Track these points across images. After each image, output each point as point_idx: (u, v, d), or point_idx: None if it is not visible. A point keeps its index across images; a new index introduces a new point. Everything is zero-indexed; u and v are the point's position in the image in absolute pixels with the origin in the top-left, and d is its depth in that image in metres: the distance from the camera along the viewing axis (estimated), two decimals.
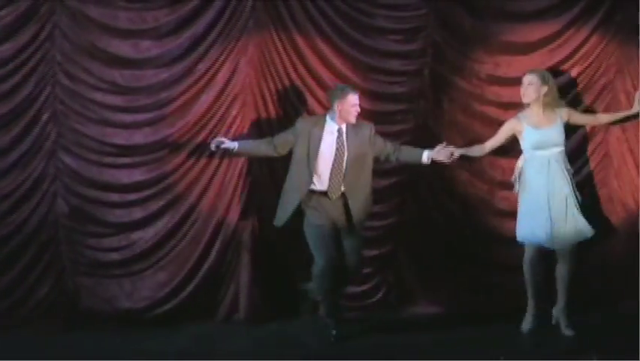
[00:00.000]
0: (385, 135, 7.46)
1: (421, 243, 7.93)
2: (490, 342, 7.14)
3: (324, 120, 7.13)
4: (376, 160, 7.23)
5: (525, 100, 7.28)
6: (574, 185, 7.33)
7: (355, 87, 7.35)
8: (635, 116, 7.64)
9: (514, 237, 7.46)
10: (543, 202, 7.30)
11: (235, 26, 7.41)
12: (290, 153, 7.20)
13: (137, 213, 7.54)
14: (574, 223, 7.30)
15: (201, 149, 7.49)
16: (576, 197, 7.34)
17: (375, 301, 7.92)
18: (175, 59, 7.41)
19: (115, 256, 7.55)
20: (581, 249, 7.38)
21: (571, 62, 7.89)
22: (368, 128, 7.18)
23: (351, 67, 7.62)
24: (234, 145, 7.18)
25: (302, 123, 7.16)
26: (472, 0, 7.69)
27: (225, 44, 7.43)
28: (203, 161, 7.53)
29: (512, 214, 7.56)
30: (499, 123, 7.60)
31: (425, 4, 7.62)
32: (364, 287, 7.87)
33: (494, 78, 7.84)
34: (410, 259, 7.92)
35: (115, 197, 7.52)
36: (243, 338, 7.32)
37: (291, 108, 7.57)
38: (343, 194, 7.10)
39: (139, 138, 7.47)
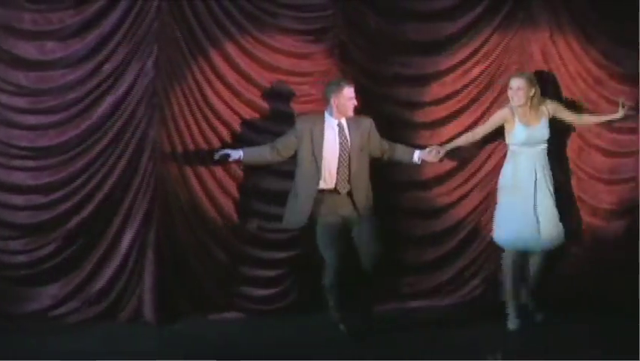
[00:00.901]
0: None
1: None
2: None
3: (323, 117, 7.17)
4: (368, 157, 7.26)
5: (515, 104, 7.44)
6: (552, 184, 7.53)
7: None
8: (617, 120, 7.87)
9: (424, 237, 7.41)
10: (529, 203, 7.43)
11: (140, 27, 7.38)
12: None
13: (44, 216, 7.49)
14: (556, 223, 7.49)
15: (109, 150, 7.48)
16: (553, 199, 7.56)
17: (286, 304, 7.93)
18: (81, 60, 7.38)
19: (21, 258, 7.52)
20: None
21: (473, 60, 7.99)
22: (368, 122, 7.26)
23: (258, 68, 7.62)
24: (239, 154, 7.21)
25: (302, 123, 7.19)
26: (379, 0, 7.71)
27: (131, 45, 7.39)
28: (110, 162, 7.50)
29: (427, 214, 7.68)
30: (406, 123, 7.73)
31: (331, 5, 7.63)
32: (275, 290, 7.89)
33: (401, 78, 7.87)
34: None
35: (20, 200, 7.48)
36: (148, 338, 7.33)
37: (197, 109, 7.56)
38: (350, 187, 7.14)
39: (45, 140, 7.43)
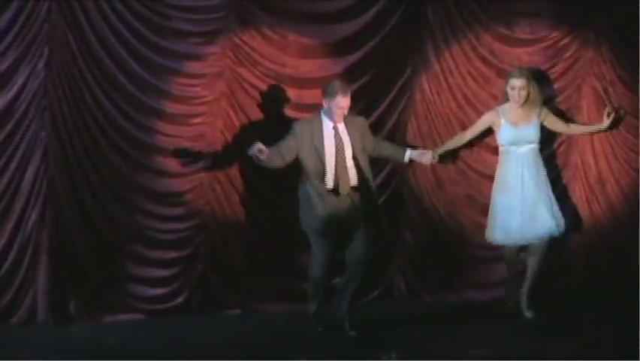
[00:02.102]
0: (185, 138, 7.63)
1: (225, 245, 7.99)
2: (289, 342, 7.32)
3: (320, 118, 7.22)
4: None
5: (519, 103, 7.66)
6: (548, 182, 7.74)
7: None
8: (604, 131, 8.16)
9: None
10: (517, 200, 7.66)
11: (31, 29, 7.30)
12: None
13: None
14: (544, 220, 7.66)
15: None
16: (549, 194, 7.74)
17: (176, 305, 7.93)
18: None
19: None
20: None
21: (369, 62, 8.04)
22: (361, 121, 7.34)
23: (150, 70, 7.60)
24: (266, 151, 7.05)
25: (301, 127, 7.20)
26: (272, 1, 7.76)
27: (22, 47, 7.30)
28: (1, 164, 7.44)
29: None
30: None
31: (224, 7, 7.63)
32: (165, 290, 7.90)
33: (295, 80, 7.92)
34: (214, 261, 7.92)
35: None
36: (43, 341, 7.29)
37: (88, 112, 7.51)
38: (352, 189, 7.23)
39: None
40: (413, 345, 7.09)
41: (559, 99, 8.39)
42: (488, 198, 8.14)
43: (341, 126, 7.35)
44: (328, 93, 7.26)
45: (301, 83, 7.94)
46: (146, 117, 7.65)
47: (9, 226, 7.48)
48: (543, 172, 7.75)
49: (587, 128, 8.30)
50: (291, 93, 7.93)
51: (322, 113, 7.37)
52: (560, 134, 8.30)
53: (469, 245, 8.47)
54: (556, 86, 8.39)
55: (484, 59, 8.35)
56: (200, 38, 7.70)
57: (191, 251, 7.89)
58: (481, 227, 8.18)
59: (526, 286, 7.89)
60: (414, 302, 8.28)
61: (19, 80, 7.37)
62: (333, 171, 7.28)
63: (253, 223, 8.00)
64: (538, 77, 7.97)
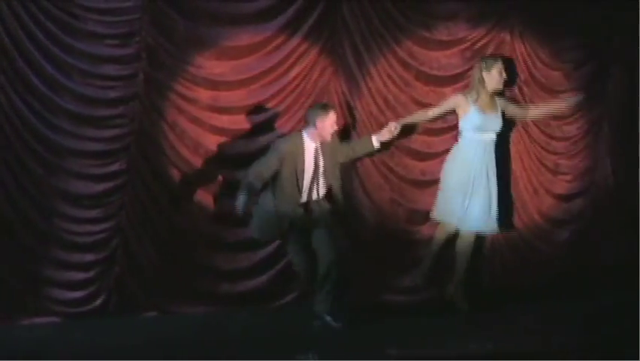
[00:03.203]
0: (100, 141, 7.57)
1: (141, 247, 7.95)
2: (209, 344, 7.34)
3: (302, 138, 7.41)
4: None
5: (498, 87, 7.96)
6: (495, 177, 7.86)
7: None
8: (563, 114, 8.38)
9: (235, 242, 7.59)
10: (467, 185, 7.81)
11: None
12: None
13: None
14: (482, 214, 7.84)
15: None
16: (495, 190, 7.89)
17: (94, 307, 7.89)
18: None
19: None
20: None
21: (286, 65, 8.08)
22: (335, 138, 7.56)
23: (64, 72, 7.56)
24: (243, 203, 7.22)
25: (284, 145, 7.40)
26: (186, 3, 7.75)
27: None
28: None
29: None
30: (217, 129, 7.88)
31: (138, 9, 7.60)
32: (82, 293, 7.86)
33: (210, 82, 7.92)
34: (131, 264, 7.89)
35: None
36: None
37: (1, 114, 7.38)
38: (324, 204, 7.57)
39: None
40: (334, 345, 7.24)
41: None
42: (412, 202, 8.18)
43: (321, 144, 7.52)
44: (318, 114, 7.50)
45: (217, 85, 7.95)
46: (60, 119, 7.59)
47: None
48: (493, 165, 7.90)
49: (546, 110, 8.47)
50: (207, 95, 7.95)
51: (304, 134, 7.51)
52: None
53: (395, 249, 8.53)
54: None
55: (403, 62, 8.42)
56: (115, 40, 7.66)
57: (108, 254, 7.85)
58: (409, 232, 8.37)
59: (458, 275, 8.00)
60: None
61: None
62: (308, 187, 7.50)
63: (169, 225, 7.99)
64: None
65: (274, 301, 8.28)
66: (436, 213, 7.95)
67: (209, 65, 7.93)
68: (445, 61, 8.58)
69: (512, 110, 8.08)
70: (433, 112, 7.99)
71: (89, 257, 7.83)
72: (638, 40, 8.74)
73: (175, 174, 7.93)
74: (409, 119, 7.99)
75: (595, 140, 9.05)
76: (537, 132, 8.62)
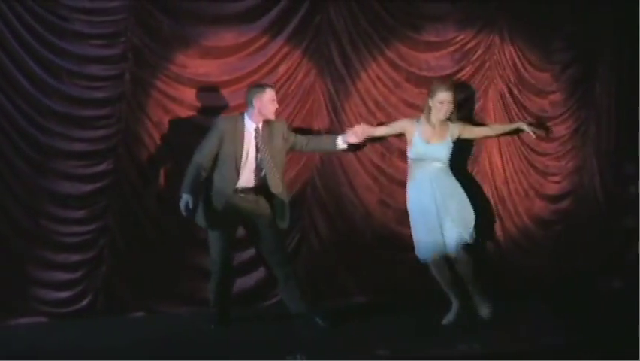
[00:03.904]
0: (87, 141, 7.59)
1: (128, 247, 7.95)
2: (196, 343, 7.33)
3: (243, 119, 7.29)
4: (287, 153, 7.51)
5: (444, 117, 7.61)
6: (459, 191, 7.68)
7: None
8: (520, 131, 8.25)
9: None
10: (430, 215, 7.61)
11: None
12: None
13: None
14: (450, 232, 7.62)
15: None
16: (459, 204, 7.67)
17: (80, 307, 7.89)
18: None
19: None
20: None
21: (272, 63, 8.11)
22: (282, 124, 7.45)
23: (51, 72, 7.59)
24: (188, 198, 7.19)
25: (224, 124, 7.27)
26: (171, 3, 7.78)
27: None
28: None
29: None
30: (200, 128, 7.72)
31: (123, 9, 7.63)
32: (69, 293, 7.85)
33: (195, 82, 7.94)
34: (118, 264, 7.89)
35: None
36: None
37: None
38: (263, 191, 7.38)
39: None
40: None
41: (467, 103, 8.50)
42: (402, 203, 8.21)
43: (263, 127, 7.45)
44: (255, 93, 7.39)
45: (202, 84, 7.98)
46: (48, 120, 7.61)
47: None
48: (452, 183, 7.69)
49: (508, 127, 8.38)
50: (192, 95, 7.97)
51: (245, 115, 7.44)
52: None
53: (379, 248, 8.55)
54: (464, 90, 8.46)
55: (392, 64, 8.42)
56: (101, 41, 7.69)
57: (95, 254, 7.85)
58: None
59: (472, 290, 7.82)
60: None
61: None
62: (251, 173, 7.38)
63: (155, 225, 7.99)
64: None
65: (262, 301, 8.30)
66: (418, 254, 7.73)
67: (194, 65, 7.96)
68: (434, 62, 8.61)
69: (472, 132, 7.91)
70: (380, 131, 7.84)
71: (76, 257, 7.83)
72: (623, 40, 8.77)
73: (161, 174, 7.93)
74: (373, 132, 7.85)
75: (582, 140, 9.04)
76: (527, 134, 8.54)
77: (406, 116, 8.23)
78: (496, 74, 8.66)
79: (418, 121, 7.83)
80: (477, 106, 8.60)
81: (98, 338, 7.45)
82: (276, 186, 7.33)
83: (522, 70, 8.75)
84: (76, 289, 7.87)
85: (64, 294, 7.85)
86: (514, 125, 8.32)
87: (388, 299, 8.39)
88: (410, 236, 8.00)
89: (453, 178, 7.80)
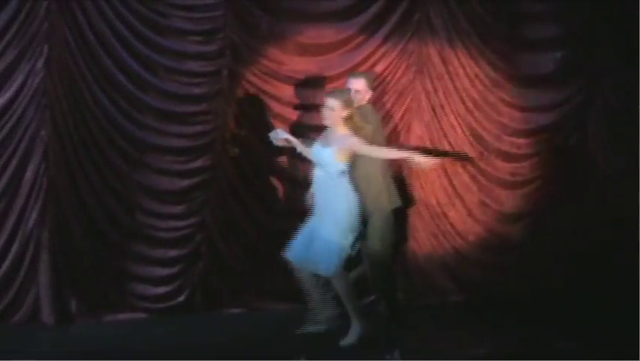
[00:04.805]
0: (184, 137, 7.70)
1: (225, 243, 7.98)
2: (291, 342, 7.27)
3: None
4: None
5: (326, 123, 6.90)
6: (342, 215, 6.85)
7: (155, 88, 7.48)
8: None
9: None
10: (310, 225, 6.99)
11: (30, 28, 7.34)
12: None
13: None
14: (316, 256, 6.91)
15: None
16: (333, 229, 6.85)
17: (178, 303, 7.93)
18: None
19: None
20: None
21: (369, 63, 8.05)
22: None
23: (149, 69, 7.64)
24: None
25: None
26: (270, 1, 7.80)
27: (21, 46, 7.35)
28: (1, 163, 7.45)
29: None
30: (294, 124, 7.83)
31: (222, 5, 7.66)
32: (166, 289, 7.90)
33: (292, 78, 7.94)
34: (215, 260, 7.92)
35: None
36: (44, 340, 7.30)
37: (87, 111, 7.53)
38: None
39: None
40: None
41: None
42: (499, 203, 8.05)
43: None
44: None
45: (299, 81, 8.00)
46: (145, 115, 7.69)
47: (9, 225, 7.50)
48: (336, 203, 6.85)
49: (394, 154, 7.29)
50: (289, 91, 7.99)
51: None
52: None
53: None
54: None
55: (491, 62, 8.33)
56: (199, 37, 7.74)
57: (191, 249, 7.89)
58: None
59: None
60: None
61: (19, 79, 7.39)
62: None
63: (253, 221, 7.99)
64: None
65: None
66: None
67: (291, 61, 7.97)
68: (533, 61, 8.48)
69: (353, 146, 6.81)
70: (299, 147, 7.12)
71: (173, 253, 7.88)
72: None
73: (257, 171, 7.97)
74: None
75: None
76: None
77: (502, 115, 8.19)
78: None
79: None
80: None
81: (195, 334, 7.51)
82: None
83: None
84: (174, 284, 7.91)
85: (161, 290, 7.90)
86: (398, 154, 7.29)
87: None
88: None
89: (340, 196, 6.89)
